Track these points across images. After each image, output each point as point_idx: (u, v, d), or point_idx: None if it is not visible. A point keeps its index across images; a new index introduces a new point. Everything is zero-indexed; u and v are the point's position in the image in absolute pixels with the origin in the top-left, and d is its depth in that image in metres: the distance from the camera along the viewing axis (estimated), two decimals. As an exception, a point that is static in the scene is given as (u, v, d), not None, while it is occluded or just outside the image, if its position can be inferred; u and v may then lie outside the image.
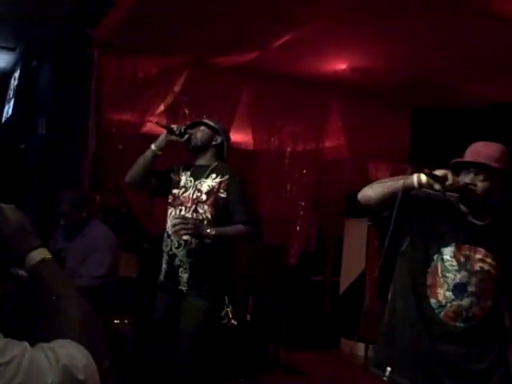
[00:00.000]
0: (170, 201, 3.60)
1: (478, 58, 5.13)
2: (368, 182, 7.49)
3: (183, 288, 3.45)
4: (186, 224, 3.30)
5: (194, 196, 3.50)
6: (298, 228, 6.57)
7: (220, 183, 3.49)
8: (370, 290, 7.29)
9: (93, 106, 4.87)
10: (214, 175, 3.52)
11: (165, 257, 3.53)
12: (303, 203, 6.54)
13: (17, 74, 5.50)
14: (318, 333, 7.53)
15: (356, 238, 7.68)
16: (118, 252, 3.78)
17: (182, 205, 3.51)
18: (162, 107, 5.58)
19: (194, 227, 3.31)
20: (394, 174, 7.08)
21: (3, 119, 5.97)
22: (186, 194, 3.54)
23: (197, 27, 4.61)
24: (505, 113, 6.35)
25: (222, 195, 3.47)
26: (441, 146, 6.94)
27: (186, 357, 3.39)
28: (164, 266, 3.54)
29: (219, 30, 4.70)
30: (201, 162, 3.61)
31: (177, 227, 3.30)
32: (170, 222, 3.49)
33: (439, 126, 6.89)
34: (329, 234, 8.00)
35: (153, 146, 3.55)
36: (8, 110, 5.76)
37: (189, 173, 3.60)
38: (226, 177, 3.50)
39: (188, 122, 3.83)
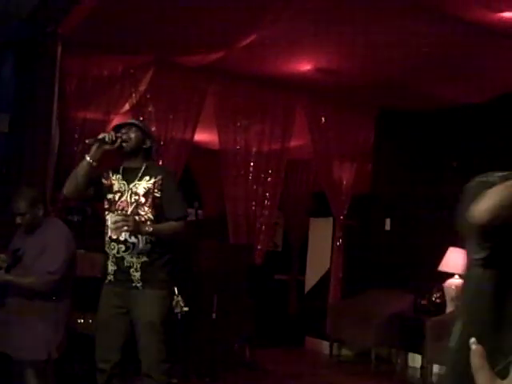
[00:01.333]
0: (106, 206, 3.63)
1: (440, 61, 5.24)
2: (333, 181, 7.64)
3: (137, 284, 3.52)
4: (126, 221, 3.36)
5: (132, 199, 3.56)
6: (263, 227, 6.60)
7: (154, 183, 3.57)
8: (334, 288, 7.37)
9: (56, 104, 4.82)
10: (147, 177, 3.58)
11: (111, 259, 3.57)
12: (269, 203, 6.59)
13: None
14: (284, 331, 7.58)
15: (321, 237, 7.74)
16: (74, 250, 3.78)
17: (122, 210, 3.55)
18: (127, 106, 5.57)
19: (134, 224, 3.38)
20: (358, 174, 7.22)
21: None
22: (123, 199, 3.58)
23: (161, 26, 4.61)
24: (465, 114, 6.49)
25: (158, 195, 3.55)
26: (404, 147, 7.07)
27: (149, 346, 3.49)
28: (111, 267, 3.58)
29: (184, 30, 4.71)
30: (131, 164, 3.63)
31: (118, 224, 3.36)
32: (110, 227, 3.51)
33: (402, 127, 7.01)
34: (294, 233, 8.06)
35: (88, 158, 3.51)
36: (-31, 107, 5.67)
37: (120, 176, 3.63)
38: (159, 177, 3.58)
39: (117, 123, 3.81)
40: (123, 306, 3.56)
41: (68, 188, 3.57)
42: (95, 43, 5.05)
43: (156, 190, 3.55)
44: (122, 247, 3.52)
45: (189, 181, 7.95)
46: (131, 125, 3.67)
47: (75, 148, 5.36)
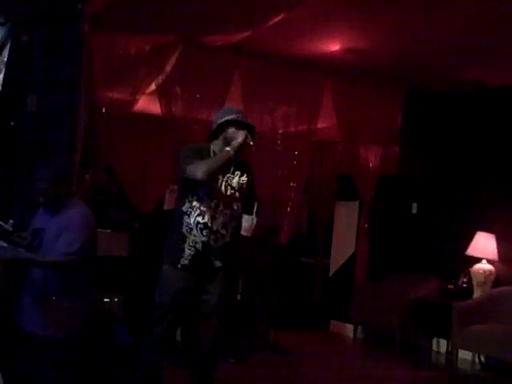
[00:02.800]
0: (206, 192, 3.60)
1: (474, 43, 5.13)
2: (359, 163, 7.60)
3: (217, 267, 3.63)
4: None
5: (228, 192, 3.63)
6: (289, 209, 6.56)
7: (247, 181, 3.73)
8: (359, 272, 7.33)
9: (84, 82, 4.81)
10: (238, 172, 3.70)
11: (196, 245, 3.56)
12: (295, 185, 6.53)
13: (6, 50, 5.42)
14: (308, 314, 7.57)
15: (346, 220, 7.69)
16: (95, 231, 3.77)
17: (218, 199, 3.60)
18: (153, 86, 5.54)
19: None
20: (385, 156, 7.13)
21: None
22: (219, 188, 3.62)
23: (190, 5, 4.55)
24: (496, 97, 6.37)
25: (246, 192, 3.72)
26: (432, 128, 6.96)
27: (219, 326, 3.66)
28: (190, 251, 3.57)
29: (212, 9, 4.64)
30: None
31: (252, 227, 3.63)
32: (245, 226, 3.65)
33: (431, 108, 6.89)
34: (320, 215, 8.00)
35: (232, 151, 3.53)
36: (-3, 86, 5.68)
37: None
38: (250, 175, 3.77)
39: (241, 120, 3.70)
40: (195, 288, 3.67)
41: (207, 174, 3.47)
42: (122, 22, 5.00)
43: (245, 187, 3.69)
44: (213, 237, 3.56)
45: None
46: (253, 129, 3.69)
47: (102, 127, 5.36)
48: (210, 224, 3.54)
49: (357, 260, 7.38)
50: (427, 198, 7.04)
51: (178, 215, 3.62)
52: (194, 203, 3.56)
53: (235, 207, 3.62)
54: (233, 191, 3.63)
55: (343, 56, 5.65)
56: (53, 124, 4.72)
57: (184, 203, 3.61)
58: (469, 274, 6.25)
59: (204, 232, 3.54)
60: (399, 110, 6.93)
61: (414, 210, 7.15)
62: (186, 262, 3.55)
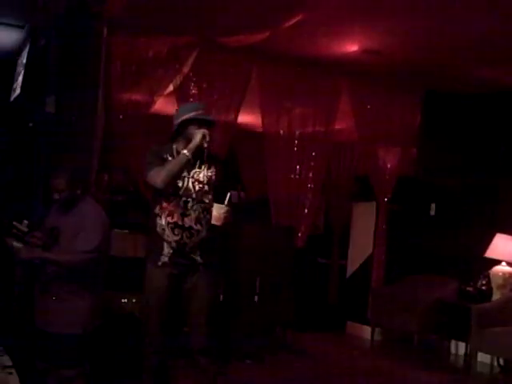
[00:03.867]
0: (173, 191, 3.62)
1: (492, 43, 5.08)
2: (377, 164, 7.56)
3: (199, 263, 3.65)
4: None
5: (197, 187, 3.65)
6: (306, 210, 6.54)
7: (215, 173, 3.74)
8: (376, 274, 7.29)
9: (102, 84, 4.85)
10: (206, 165, 3.72)
11: (171, 244, 3.60)
12: (312, 186, 6.52)
13: (25, 52, 5.47)
14: (325, 315, 7.55)
15: (364, 221, 7.65)
16: (108, 229, 3.82)
17: (187, 197, 3.62)
18: (170, 87, 5.56)
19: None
20: (402, 157, 7.10)
21: (12, 97, 5.96)
22: (185, 185, 3.64)
23: (207, 6, 4.56)
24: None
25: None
26: (451, 130, 6.91)
27: (208, 325, 3.66)
28: (168, 250, 3.61)
29: (230, 10, 4.66)
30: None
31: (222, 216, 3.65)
32: (215, 215, 3.67)
33: (450, 109, 6.84)
34: (337, 217, 7.98)
35: (187, 153, 3.53)
36: (17, 88, 5.74)
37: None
38: (218, 166, 3.78)
39: (200, 117, 3.70)
40: (179, 284, 3.70)
41: (165, 181, 3.52)
42: (140, 24, 5.04)
43: (215, 179, 3.70)
44: (187, 233, 3.59)
45: (232, 163, 7.95)
46: (213, 124, 3.75)
47: (120, 128, 5.39)
48: (180, 222, 3.57)
49: (374, 261, 7.34)
50: (446, 199, 6.99)
51: (153, 217, 3.67)
52: (164, 204, 3.60)
53: (206, 200, 3.65)
54: (201, 185, 3.64)
55: (361, 57, 5.63)
56: (71, 125, 4.76)
57: (156, 205, 3.66)
58: (488, 277, 6.20)
59: (175, 231, 3.58)
60: (417, 111, 6.89)
61: (433, 212, 7.10)
62: (166, 259, 3.60)
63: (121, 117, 5.37)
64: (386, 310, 6.79)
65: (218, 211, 3.64)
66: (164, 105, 5.83)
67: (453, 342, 6.73)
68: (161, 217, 3.61)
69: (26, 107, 5.27)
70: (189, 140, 3.56)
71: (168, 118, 6.51)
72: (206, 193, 3.65)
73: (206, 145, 3.51)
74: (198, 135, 3.50)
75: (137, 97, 5.51)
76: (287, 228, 6.45)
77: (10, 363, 2.90)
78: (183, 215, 3.57)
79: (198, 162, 3.64)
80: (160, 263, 3.61)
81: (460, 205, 6.78)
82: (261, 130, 6.42)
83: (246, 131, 7.58)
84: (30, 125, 5.16)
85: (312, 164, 6.50)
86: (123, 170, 5.85)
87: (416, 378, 5.70)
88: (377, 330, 7.14)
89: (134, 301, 5.16)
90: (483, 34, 4.87)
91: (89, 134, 4.83)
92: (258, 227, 6.29)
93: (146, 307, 3.71)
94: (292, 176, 6.47)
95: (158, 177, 3.49)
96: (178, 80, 5.49)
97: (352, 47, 5.44)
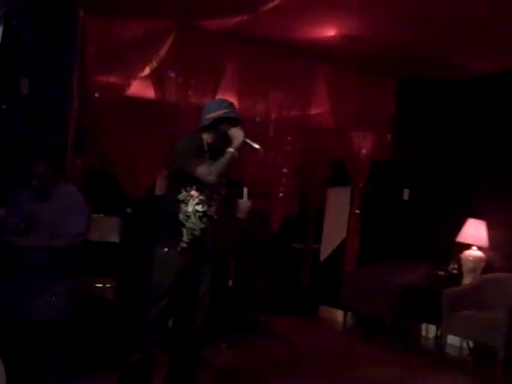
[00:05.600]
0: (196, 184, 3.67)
1: (465, 31, 5.13)
2: (352, 150, 7.59)
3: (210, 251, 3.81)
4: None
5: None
6: (280, 195, 6.58)
7: None
8: (350, 258, 7.37)
9: (77, 67, 4.77)
10: None
11: (194, 232, 3.66)
12: (287, 170, 6.55)
13: (-1, 33, 5.35)
14: (298, 299, 7.61)
15: (338, 205, 7.72)
16: (90, 213, 3.82)
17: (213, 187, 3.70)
18: (147, 70, 5.50)
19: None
20: (377, 143, 7.15)
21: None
22: None
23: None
24: (489, 85, 6.38)
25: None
26: (425, 116, 6.97)
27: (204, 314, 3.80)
28: (189, 236, 3.66)
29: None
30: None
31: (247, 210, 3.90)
32: (207, 203, 3.68)
33: (425, 96, 6.90)
34: (311, 201, 8.02)
35: (235, 152, 3.64)
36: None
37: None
38: None
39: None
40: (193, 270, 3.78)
41: (218, 179, 3.62)
42: (116, 6, 4.96)
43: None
44: (206, 221, 3.68)
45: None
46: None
47: (95, 112, 5.32)
48: (209, 212, 3.68)
49: (347, 246, 7.41)
50: (419, 184, 7.07)
51: (174, 202, 3.68)
52: (193, 192, 3.65)
53: (223, 192, 3.80)
54: (222, 179, 3.75)
55: (338, 42, 5.64)
56: (45, 108, 4.69)
57: (180, 192, 3.67)
58: (459, 261, 6.31)
59: (203, 219, 3.67)
60: (392, 97, 6.94)
61: (406, 197, 7.18)
62: (185, 245, 3.65)
63: (96, 97, 5.31)
64: (358, 293, 6.87)
65: (244, 205, 3.91)
66: (141, 88, 5.78)
67: (424, 325, 6.85)
68: (187, 204, 3.65)
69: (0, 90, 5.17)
70: (220, 136, 3.68)
71: (145, 102, 6.50)
72: (224, 185, 3.78)
73: (248, 141, 3.67)
74: (240, 134, 3.64)
75: (113, 79, 5.45)
76: (262, 212, 6.47)
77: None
78: (209, 205, 3.68)
79: (219, 156, 3.69)
80: (179, 248, 3.65)
81: (432, 190, 6.87)
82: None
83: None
84: (4, 107, 5.06)
85: (287, 148, 6.52)
86: (99, 155, 5.79)
87: (387, 360, 5.80)
88: (349, 313, 7.23)
89: (108, 285, 5.14)
90: (459, 21, 4.91)
91: (63, 117, 4.76)
92: (232, 212, 6.28)
93: (158, 288, 3.67)
94: (267, 160, 6.47)
95: (210, 174, 3.57)
96: (154, 63, 5.43)
97: (330, 32, 5.44)
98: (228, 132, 3.68)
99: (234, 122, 3.70)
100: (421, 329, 6.88)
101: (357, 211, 7.32)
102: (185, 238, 3.66)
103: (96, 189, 5.80)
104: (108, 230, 5.41)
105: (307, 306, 7.64)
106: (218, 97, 5.96)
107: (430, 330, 6.78)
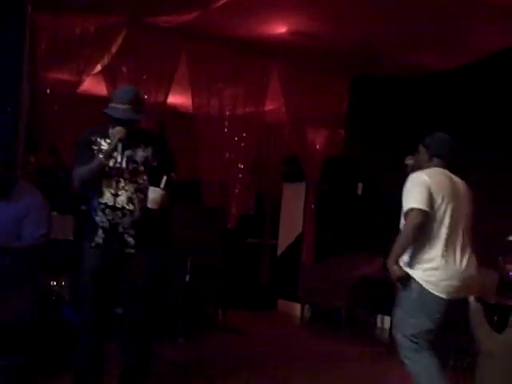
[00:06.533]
0: (104, 172, 3.55)
1: (415, 28, 5.24)
2: (306, 146, 7.66)
3: (130, 250, 3.58)
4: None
5: (130, 167, 3.57)
6: (236, 191, 6.62)
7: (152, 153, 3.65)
8: (306, 252, 7.45)
9: (26, 64, 4.72)
10: (142, 145, 3.63)
11: (104, 225, 3.54)
12: (242, 166, 6.59)
13: None
14: (256, 294, 7.66)
15: (294, 201, 7.79)
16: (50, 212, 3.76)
17: (118, 176, 3.54)
18: (98, 67, 5.48)
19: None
20: (331, 139, 7.24)
21: None
22: (117, 165, 3.57)
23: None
24: (439, 82, 6.52)
25: (155, 164, 3.64)
26: (377, 112, 7.10)
27: (145, 310, 3.63)
28: (101, 231, 3.55)
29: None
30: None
31: (158, 200, 3.49)
32: (110, 194, 3.52)
33: (377, 92, 7.03)
34: (267, 197, 8.08)
35: (104, 159, 3.48)
36: None
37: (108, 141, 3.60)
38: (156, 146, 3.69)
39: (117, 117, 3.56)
40: (113, 266, 3.64)
41: (79, 186, 3.55)
42: (66, 2, 4.93)
43: (151, 159, 3.60)
44: (119, 214, 3.53)
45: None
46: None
47: (46, 109, 5.28)
48: (111, 203, 3.51)
49: (304, 240, 7.50)
50: (372, 179, 7.19)
51: (89, 199, 3.64)
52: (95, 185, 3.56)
53: (140, 181, 3.58)
54: (136, 165, 3.57)
55: (290, 39, 5.69)
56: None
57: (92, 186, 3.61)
58: (411, 252, 6.42)
59: (106, 211, 3.52)
60: (345, 94, 7.04)
61: (360, 191, 7.30)
62: (100, 240, 3.54)
63: (47, 94, 5.27)
64: (314, 287, 6.97)
65: (154, 194, 3.51)
66: (93, 84, 5.74)
67: (379, 316, 6.98)
68: (93, 198, 3.56)
69: None
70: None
71: (97, 98, 6.45)
72: (141, 173, 3.58)
73: (120, 144, 3.47)
74: (114, 137, 3.48)
75: (64, 76, 5.40)
76: (216, 208, 6.50)
77: None
78: (115, 195, 3.51)
79: (132, 141, 3.55)
80: (94, 244, 3.55)
81: (385, 184, 7.00)
82: (191, 110, 6.41)
83: (177, 112, 7.54)
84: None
85: (242, 145, 6.56)
86: (52, 151, 5.72)
87: (344, 352, 5.88)
88: (306, 306, 7.32)
89: (63, 283, 5.10)
90: (410, 18, 5.01)
91: (13, 114, 4.70)
92: (187, 208, 6.30)
93: (81, 287, 3.66)
94: (222, 156, 6.50)
95: (75, 179, 3.51)
96: (106, 59, 5.41)
97: (280, 29, 5.49)
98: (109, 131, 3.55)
99: (117, 121, 3.52)
100: (376, 320, 7.00)
101: (312, 206, 7.41)
102: (99, 233, 3.54)
103: (49, 186, 5.74)
104: (61, 227, 5.36)
105: (266, 301, 7.70)
106: (172, 93, 5.99)
107: (385, 322, 6.91)
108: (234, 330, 6.28)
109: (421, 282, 3.33)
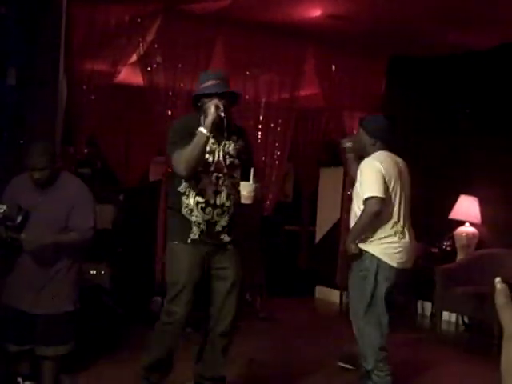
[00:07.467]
0: (204, 167, 3.38)
1: (453, 7, 5.10)
2: (343, 130, 7.58)
3: (228, 246, 3.49)
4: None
5: (227, 161, 3.41)
6: (273, 178, 6.58)
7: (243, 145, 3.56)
8: (344, 238, 7.38)
9: (63, 55, 4.75)
10: (234, 137, 3.48)
11: (201, 225, 3.38)
12: (279, 153, 6.54)
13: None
14: (294, 281, 7.65)
15: (331, 186, 7.72)
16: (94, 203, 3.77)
17: (218, 172, 3.38)
18: (134, 56, 5.49)
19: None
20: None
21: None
22: (216, 160, 3.40)
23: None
24: (479, 60, 6.36)
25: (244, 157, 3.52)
26: (416, 93, 6.96)
27: (237, 308, 3.52)
28: (197, 229, 3.39)
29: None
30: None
31: (252, 194, 3.33)
32: (212, 191, 3.36)
33: (415, 73, 6.89)
34: (305, 183, 8.03)
35: (206, 132, 3.22)
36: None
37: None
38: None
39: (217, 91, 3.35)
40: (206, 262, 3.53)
41: (188, 169, 3.26)
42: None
43: (243, 152, 3.49)
44: (219, 211, 3.38)
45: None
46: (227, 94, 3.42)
47: (83, 100, 5.32)
48: (212, 201, 3.35)
49: (341, 226, 7.43)
50: (411, 162, 7.04)
51: (175, 196, 3.43)
52: (192, 181, 3.35)
53: (236, 175, 3.42)
54: (232, 159, 3.41)
55: (325, 22, 5.61)
56: (33, 98, 4.68)
57: (180, 183, 3.40)
58: (452, 238, 6.34)
59: (207, 210, 3.35)
60: (382, 76, 6.92)
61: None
62: (196, 236, 3.39)
63: (84, 87, 5.30)
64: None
65: (247, 190, 3.31)
66: (129, 74, 5.77)
67: (420, 302, 6.89)
68: (188, 196, 3.36)
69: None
70: (205, 114, 3.29)
71: (134, 88, 6.48)
72: (236, 167, 3.42)
73: (222, 114, 3.22)
74: (210, 109, 3.21)
75: (100, 67, 5.43)
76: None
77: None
78: (216, 193, 3.34)
79: (225, 133, 3.36)
80: (189, 240, 3.38)
81: (425, 168, 6.87)
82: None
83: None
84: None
85: (278, 131, 6.51)
86: (90, 143, 5.79)
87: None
88: (345, 293, 7.26)
89: (102, 272, 5.16)
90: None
91: (51, 106, 4.74)
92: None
93: (174, 285, 3.42)
94: (259, 143, 6.47)
95: (179, 165, 3.23)
96: (141, 49, 5.41)
97: (315, 12, 5.42)
98: (204, 107, 3.29)
99: (213, 94, 3.28)
100: (417, 306, 6.92)
101: (350, 191, 7.32)
102: (194, 230, 3.37)
103: (87, 177, 5.82)
104: (100, 217, 5.41)
105: (304, 288, 7.68)
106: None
107: (426, 307, 6.82)
108: (272, 318, 6.27)
109: (378, 255, 3.69)
